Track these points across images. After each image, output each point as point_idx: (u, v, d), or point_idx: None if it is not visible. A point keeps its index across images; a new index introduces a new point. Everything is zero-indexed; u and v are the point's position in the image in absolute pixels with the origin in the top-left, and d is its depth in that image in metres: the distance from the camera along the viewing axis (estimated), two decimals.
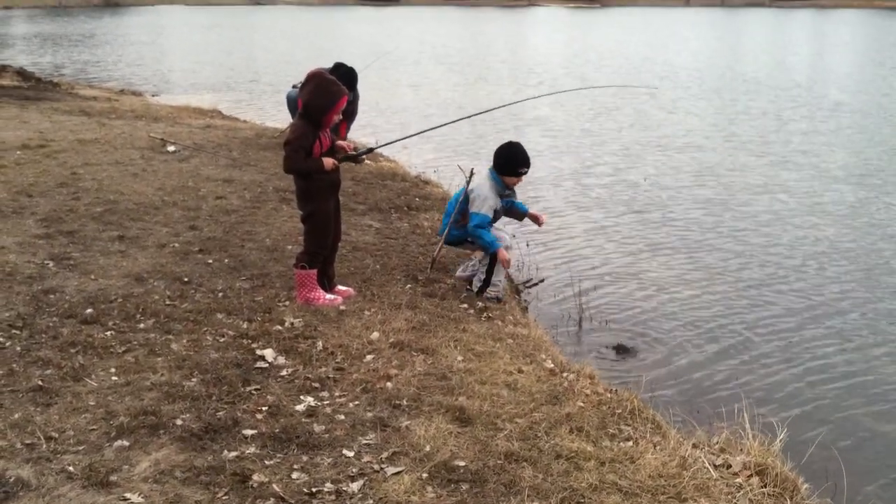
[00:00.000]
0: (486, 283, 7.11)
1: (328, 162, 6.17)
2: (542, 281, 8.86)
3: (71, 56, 37.03)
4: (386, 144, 7.77)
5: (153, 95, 23.72)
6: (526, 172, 7.26)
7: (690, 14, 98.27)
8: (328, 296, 6.37)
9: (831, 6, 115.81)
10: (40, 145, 11.65)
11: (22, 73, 23.90)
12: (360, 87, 12.00)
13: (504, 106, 8.42)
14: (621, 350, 7.30)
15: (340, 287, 6.63)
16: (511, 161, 7.14)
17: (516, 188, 7.48)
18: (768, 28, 70.63)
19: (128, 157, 11.29)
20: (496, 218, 7.21)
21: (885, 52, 43.46)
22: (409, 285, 7.00)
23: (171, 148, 12.04)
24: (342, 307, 6.28)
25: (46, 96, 18.83)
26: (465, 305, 6.69)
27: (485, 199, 7.01)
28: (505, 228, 7.56)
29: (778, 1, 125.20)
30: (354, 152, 6.64)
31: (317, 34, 51.54)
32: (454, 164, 8.35)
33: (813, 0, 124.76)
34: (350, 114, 12.05)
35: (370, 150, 7.00)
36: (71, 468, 3.90)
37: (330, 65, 11.62)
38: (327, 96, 6.00)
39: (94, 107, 17.28)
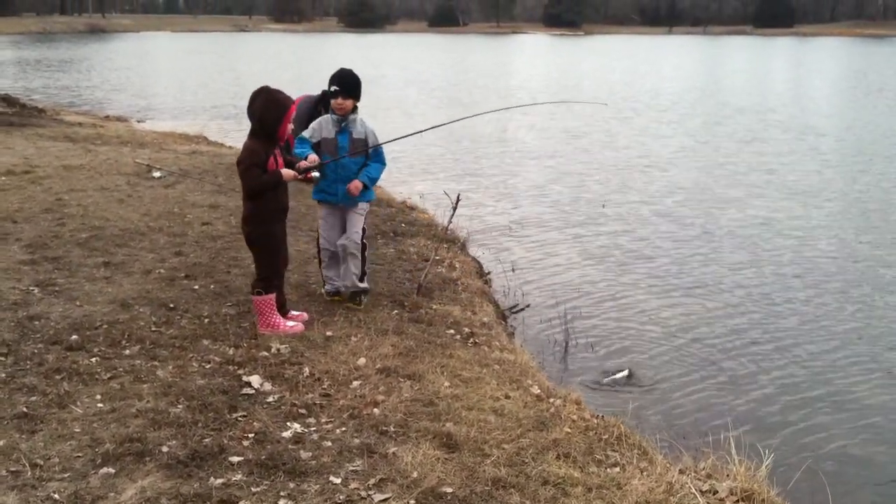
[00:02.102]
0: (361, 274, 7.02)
1: (288, 174, 6.16)
2: (528, 306, 8.89)
3: (56, 82, 37.02)
4: (340, 158, 7.65)
5: (138, 121, 23.73)
6: (335, 92, 6.74)
7: (672, 41, 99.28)
8: (288, 323, 6.32)
9: (813, 34, 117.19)
10: (25, 171, 11.62)
11: (6, 99, 23.83)
12: None
13: (453, 122, 8.30)
14: (608, 375, 7.32)
15: (293, 312, 6.60)
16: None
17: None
18: (748, 55, 71.34)
19: (113, 182, 11.27)
20: (331, 150, 6.75)
21: (861, 78, 43.94)
22: (395, 311, 7.00)
23: (156, 174, 12.03)
24: (329, 333, 6.27)
25: (31, 122, 18.79)
26: (452, 331, 6.69)
27: (311, 126, 6.88)
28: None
29: (760, 29, 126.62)
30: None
31: (302, 60, 51.74)
32: (440, 190, 8.40)
33: (795, 28, 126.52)
34: None
35: (323, 164, 6.76)
36: (56, 496, 3.87)
37: (317, 92, 11.66)
38: (278, 106, 6.02)
39: (80, 133, 17.26)
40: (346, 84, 6.78)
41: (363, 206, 6.99)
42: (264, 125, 6.01)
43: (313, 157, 6.52)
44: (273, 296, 6.24)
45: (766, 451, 4.88)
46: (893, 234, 12.35)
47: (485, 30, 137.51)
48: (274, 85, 6.24)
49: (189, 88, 35.09)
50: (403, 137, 7.38)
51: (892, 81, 41.33)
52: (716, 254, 11.21)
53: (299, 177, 6.31)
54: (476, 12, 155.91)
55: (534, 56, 69.65)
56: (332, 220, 6.93)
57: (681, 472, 4.64)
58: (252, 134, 6.06)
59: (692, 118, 26.42)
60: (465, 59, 62.62)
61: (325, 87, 11.23)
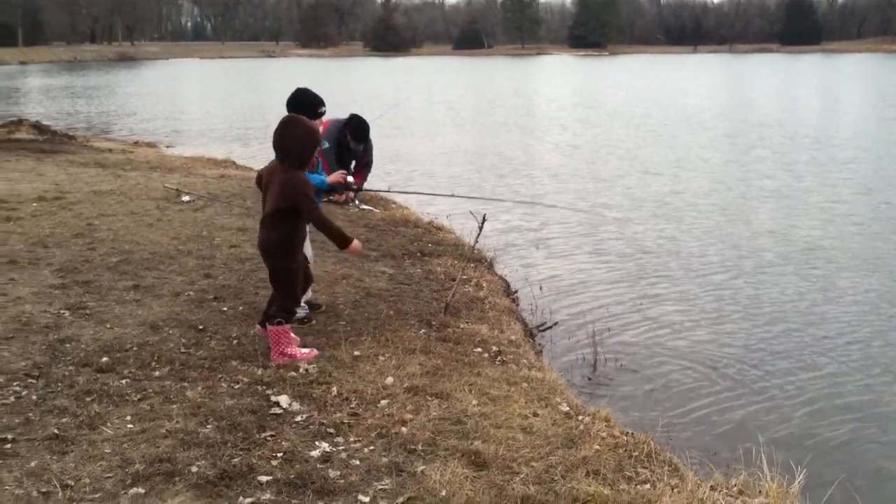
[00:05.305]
0: None
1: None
2: (555, 324, 8.85)
3: (86, 109, 37.55)
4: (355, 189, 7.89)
5: (168, 147, 23.98)
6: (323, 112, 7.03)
7: (698, 60, 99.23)
8: (303, 350, 6.22)
9: (840, 51, 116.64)
10: (56, 197, 11.76)
11: (38, 127, 24.16)
12: (373, 136, 12.06)
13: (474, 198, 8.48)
14: (637, 392, 7.27)
15: (303, 350, 6.53)
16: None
17: None
18: (772, 72, 71.13)
19: (143, 207, 11.38)
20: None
21: (886, 94, 43.69)
22: (422, 330, 7.00)
23: (185, 198, 12.14)
24: (356, 352, 6.27)
25: (62, 149, 19.03)
26: (480, 350, 6.68)
27: None
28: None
29: (786, 46, 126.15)
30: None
31: (329, 84, 52.14)
32: (466, 210, 8.48)
33: (821, 45, 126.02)
34: (365, 165, 12.02)
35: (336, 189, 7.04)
36: None
37: (345, 115, 11.71)
38: (313, 134, 6.05)
39: (110, 158, 17.46)
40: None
41: None
42: (303, 153, 5.96)
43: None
44: (289, 326, 6.17)
45: (799, 467, 4.82)
46: None
47: (510, 52, 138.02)
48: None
49: (217, 114, 35.45)
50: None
51: None
52: (744, 270, 11.13)
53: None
54: (501, 34, 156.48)
55: (557, 75, 69.83)
56: None
57: (712, 488, 4.59)
58: (290, 165, 5.93)
59: (717, 134, 26.43)
60: (491, 80, 62.86)
61: (352, 112, 11.31)
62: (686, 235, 13.11)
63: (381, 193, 13.68)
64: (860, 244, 12.43)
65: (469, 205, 8.10)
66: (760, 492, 4.58)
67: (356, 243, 6.21)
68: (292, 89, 7.00)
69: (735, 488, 4.68)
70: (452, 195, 8.40)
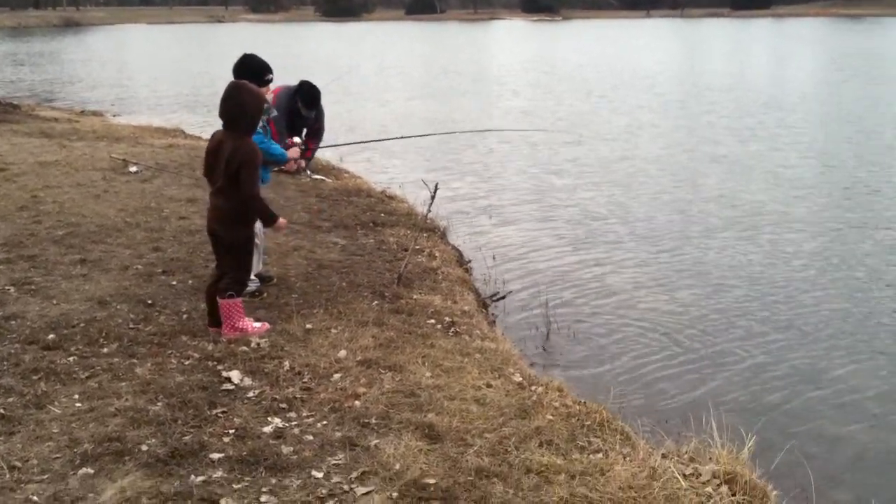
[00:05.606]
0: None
1: None
2: (508, 294, 8.86)
3: (30, 77, 36.69)
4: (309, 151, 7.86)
5: (114, 115, 23.51)
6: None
7: (650, 25, 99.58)
8: (255, 324, 6.13)
9: (790, 15, 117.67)
10: None
11: None
12: (324, 102, 11.94)
13: (428, 135, 8.44)
14: (589, 361, 7.32)
15: (255, 324, 6.45)
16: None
17: None
18: (724, 38, 71.66)
19: (89, 178, 11.16)
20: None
21: (834, 58, 44.21)
22: (375, 302, 6.97)
23: (133, 168, 11.92)
24: (308, 325, 6.23)
25: (6, 118, 18.55)
26: (433, 321, 6.66)
27: None
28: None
29: (737, 11, 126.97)
30: None
31: (279, 50, 51.40)
32: (418, 179, 8.41)
33: (771, 10, 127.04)
34: (317, 131, 11.89)
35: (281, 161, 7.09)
36: (35, 498, 3.83)
37: (294, 82, 11.57)
38: (260, 100, 5.95)
39: (55, 128, 17.07)
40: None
41: None
42: (254, 119, 5.86)
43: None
44: (241, 300, 6.05)
45: (749, 434, 4.89)
46: (872, 210, 12.41)
47: (462, 17, 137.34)
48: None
49: (165, 81, 34.83)
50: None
51: (858, 62, 41.68)
52: (692, 235, 11.23)
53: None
54: None
55: (510, 41, 69.66)
56: None
57: (663, 456, 4.64)
58: (241, 132, 5.78)
59: (667, 100, 26.58)
60: (444, 46, 62.51)
61: (302, 79, 11.16)
62: (634, 201, 13.20)
63: (333, 163, 13.63)
64: (806, 209, 12.62)
65: (418, 173, 8.03)
66: (711, 459, 4.63)
67: (281, 221, 6.16)
68: (241, 55, 6.90)
69: (686, 455, 4.73)
70: (401, 137, 8.21)
